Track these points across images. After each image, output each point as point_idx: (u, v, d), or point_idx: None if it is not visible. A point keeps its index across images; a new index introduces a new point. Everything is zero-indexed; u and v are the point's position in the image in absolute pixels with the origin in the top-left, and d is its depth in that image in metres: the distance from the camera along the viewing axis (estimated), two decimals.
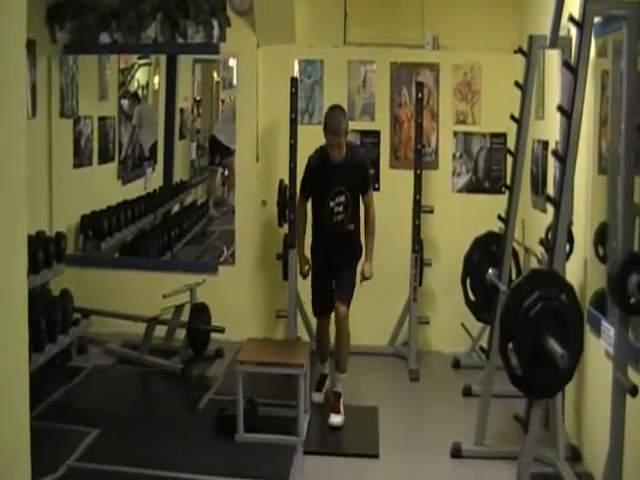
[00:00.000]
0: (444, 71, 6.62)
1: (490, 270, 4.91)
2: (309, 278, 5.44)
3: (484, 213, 5.70)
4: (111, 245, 7.42)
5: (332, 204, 5.18)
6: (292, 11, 6.40)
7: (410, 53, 6.72)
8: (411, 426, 5.29)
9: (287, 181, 6.16)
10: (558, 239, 3.45)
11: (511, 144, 4.87)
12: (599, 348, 4.05)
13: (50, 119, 6.74)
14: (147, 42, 6.76)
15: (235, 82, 7.34)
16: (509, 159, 4.95)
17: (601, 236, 4.30)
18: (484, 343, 5.18)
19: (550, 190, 5.29)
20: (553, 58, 5.16)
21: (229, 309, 6.40)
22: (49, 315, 5.49)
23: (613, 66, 4.08)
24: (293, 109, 6.16)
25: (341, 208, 5.20)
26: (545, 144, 5.57)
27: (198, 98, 10.05)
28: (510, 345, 3.22)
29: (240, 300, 6.61)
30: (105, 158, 7.80)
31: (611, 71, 4.12)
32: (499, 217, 4.74)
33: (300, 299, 6.22)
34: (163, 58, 8.67)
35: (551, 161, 5.34)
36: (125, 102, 8.57)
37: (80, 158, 7.19)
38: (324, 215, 5.23)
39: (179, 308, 6.12)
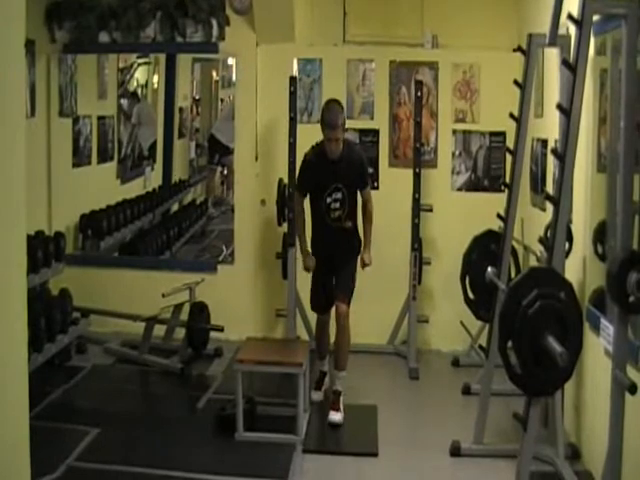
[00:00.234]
0: (443, 70, 6.62)
1: (489, 268, 4.91)
2: (308, 277, 5.44)
3: (483, 212, 5.70)
4: (110, 244, 7.42)
5: (329, 200, 5.18)
6: (291, 10, 6.40)
7: (409, 52, 6.72)
8: (410, 425, 5.29)
9: (286, 180, 6.16)
10: (557, 237, 3.46)
11: (510, 142, 4.87)
12: (598, 346, 4.06)
13: (49, 118, 6.74)
14: (146, 41, 6.74)
15: (234, 81, 7.34)
16: (508, 157, 4.96)
17: (600, 234, 4.30)
18: (483, 341, 5.18)
19: (549, 188, 5.29)
20: (552, 56, 5.15)
21: (228, 308, 6.40)
22: (48, 314, 5.49)
23: (612, 64, 4.08)
24: (292, 108, 6.16)
25: (338, 204, 5.19)
26: (544, 142, 5.57)
27: (197, 97, 10.06)
28: (509, 343, 3.22)
29: (239, 299, 6.61)
30: (104, 157, 7.80)
31: (610, 69, 4.13)
32: (498, 215, 4.74)
33: (299, 298, 6.22)
34: (162, 57, 8.69)
35: (550, 159, 5.34)
36: (124, 101, 8.57)
37: (79, 157, 7.19)
38: (321, 211, 5.22)
39: (178, 307, 6.12)
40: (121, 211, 7.76)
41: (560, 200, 3.44)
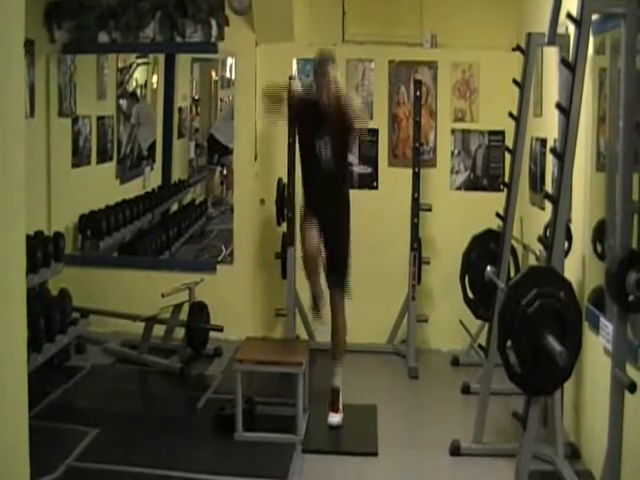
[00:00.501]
0: (442, 69, 6.62)
1: (488, 268, 4.92)
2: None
3: (482, 211, 5.70)
4: (109, 244, 7.43)
5: (317, 144, 5.00)
6: (290, 10, 6.40)
7: (408, 51, 6.72)
8: (410, 424, 5.30)
9: (285, 180, 6.16)
10: (556, 236, 3.46)
11: (509, 142, 4.87)
12: (598, 345, 4.06)
13: (48, 119, 6.73)
14: (145, 41, 6.74)
15: (233, 81, 7.34)
16: (507, 157, 4.96)
17: (599, 233, 4.30)
18: (483, 341, 5.18)
19: (548, 187, 5.29)
20: (551, 56, 5.15)
21: (228, 308, 6.40)
22: (48, 315, 5.49)
23: (611, 64, 4.08)
24: None
25: (328, 151, 4.99)
26: (543, 142, 5.57)
27: (197, 97, 10.08)
28: (509, 342, 3.22)
29: (239, 299, 6.61)
30: (103, 157, 7.81)
31: (609, 69, 4.13)
32: (497, 215, 4.74)
33: (299, 298, 6.22)
34: (161, 57, 8.70)
35: (549, 158, 5.34)
36: (123, 101, 8.58)
37: (78, 158, 7.19)
38: (310, 158, 5.09)
39: (178, 307, 6.12)
40: (120, 211, 7.76)
41: (559, 199, 3.44)
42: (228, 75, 9.27)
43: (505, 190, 4.74)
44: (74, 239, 7.15)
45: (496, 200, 5.50)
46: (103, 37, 6.73)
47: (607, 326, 3.78)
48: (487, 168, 6.65)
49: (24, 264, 2.64)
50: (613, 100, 3.95)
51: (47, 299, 5.80)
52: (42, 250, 5.67)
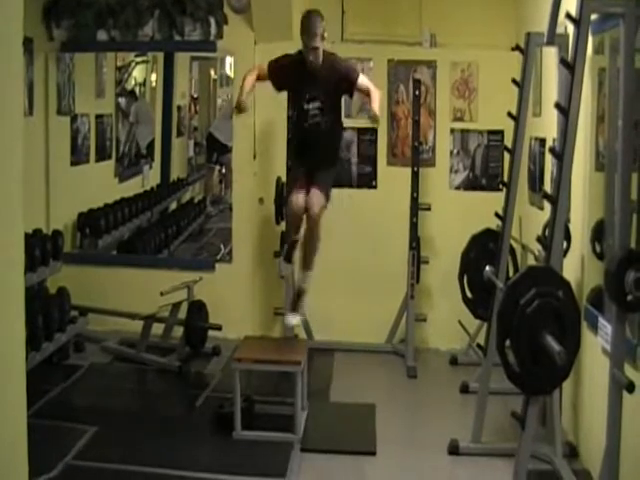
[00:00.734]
0: (441, 68, 6.63)
1: (487, 267, 4.92)
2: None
3: (481, 210, 5.70)
4: (108, 243, 7.42)
5: (306, 106, 4.94)
6: (289, 8, 6.39)
7: (407, 50, 6.72)
8: (408, 423, 5.30)
9: (284, 179, 6.16)
10: (555, 236, 3.46)
11: (508, 141, 4.87)
12: (596, 345, 4.06)
13: (47, 117, 6.73)
14: (144, 39, 6.73)
15: (232, 79, 7.34)
16: (506, 156, 4.96)
17: (598, 233, 4.30)
18: (481, 340, 5.18)
19: (547, 187, 5.29)
20: (550, 55, 5.15)
21: (226, 307, 6.40)
22: (46, 313, 5.49)
23: (610, 63, 4.08)
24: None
25: (317, 112, 4.93)
26: (542, 141, 5.57)
27: (195, 95, 10.07)
28: (507, 342, 3.22)
29: (237, 298, 6.60)
30: (102, 156, 7.80)
31: (608, 68, 4.13)
32: (496, 214, 4.74)
33: None
34: (160, 56, 8.70)
35: (548, 158, 5.34)
36: (122, 100, 8.58)
37: (77, 156, 7.18)
38: (301, 119, 5.02)
39: (176, 306, 6.11)
40: (119, 209, 7.76)
41: (558, 199, 3.44)
42: (227, 73, 9.27)
43: (504, 190, 4.74)
44: (73, 237, 7.15)
45: (495, 200, 5.50)
46: (102, 35, 6.72)
47: (606, 326, 3.78)
48: (486, 168, 6.65)
49: (22, 262, 2.64)
50: (612, 100, 3.94)
51: (46, 297, 5.80)
52: (41, 248, 5.67)
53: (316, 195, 4.83)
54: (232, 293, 6.60)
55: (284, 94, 5.77)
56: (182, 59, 9.05)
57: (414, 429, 5.19)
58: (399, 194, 6.34)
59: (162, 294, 5.87)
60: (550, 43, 4.14)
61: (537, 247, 4.93)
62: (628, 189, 3.30)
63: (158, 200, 8.85)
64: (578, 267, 4.54)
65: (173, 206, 9.31)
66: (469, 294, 5.45)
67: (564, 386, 4.32)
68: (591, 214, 4.42)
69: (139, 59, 8.70)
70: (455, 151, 6.68)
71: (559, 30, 4.07)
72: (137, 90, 8.99)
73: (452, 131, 6.66)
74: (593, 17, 3.51)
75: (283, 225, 6.27)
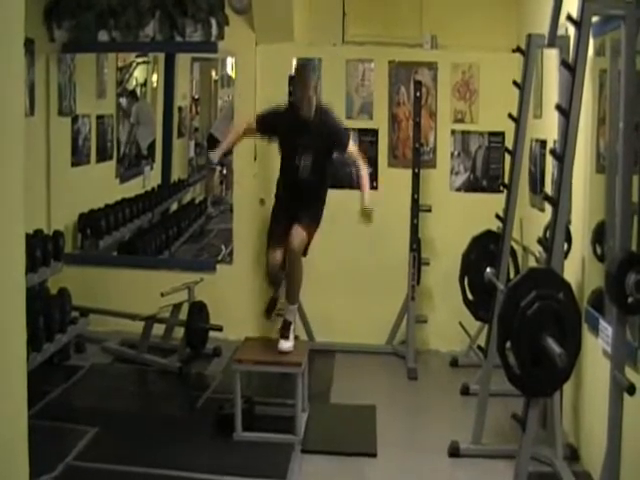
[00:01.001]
0: (442, 70, 6.62)
1: (488, 269, 4.91)
2: (307, 277, 5.38)
3: (482, 212, 5.70)
4: (109, 243, 7.43)
5: (297, 162, 5.01)
6: (290, 10, 6.40)
7: (408, 52, 6.72)
8: (409, 425, 5.29)
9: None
10: (556, 238, 3.46)
11: (509, 143, 4.86)
12: (597, 347, 4.06)
13: (48, 117, 6.73)
14: (145, 40, 6.74)
15: (233, 80, 7.34)
16: (507, 158, 4.96)
17: (599, 235, 4.30)
18: (482, 342, 5.18)
19: (548, 189, 5.29)
20: (551, 57, 5.15)
21: (227, 308, 6.40)
22: (47, 314, 5.49)
23: (611, 65, 4.08)
24: None
25: (308, 169, 5.01)
26: (543, 143, 5.57)
27: (196, 96, 10.07)
28: (508, 344, 3.22)
29: (238, 299, 6.60)
30: (103, 156, 7.80)
31: (609, 70, 4.13)
32: (497, 216, 4.74)
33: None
34: (161, 56, 8.70)
35: (549, 160, 5.34)
36: (123, 100, 8.58)
37: (78, 156, 7.18)
38: (290, 173, 5.08)
39: (177, 307, 6.12)
40: (120, 210, 7.76)
41: (559, 201, 3.44)
42: (228, 74, 9.27)
43: (505, 191, 4.74)
44: (74, 238, 7.15)
45: (496, 201, 5.50)
46: (103, 36, 6.73)
47: (606, 328, 3.78)
48: (487, 169, 6.65)
49: (23, 263, 2.64)
50: (613, 101, 3.95)
51: (47, 298, 5.80)
52: (42, 249, 5.67)
53: (297, 231, 4.94)
54: (233, 294, 6.60)
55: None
56: (183, 60, 9.05)
57: (415, 431, 5.19)
58: (400, 195, 6.34)
59: (163, 295, 5.87)
60: (551, 45, 4.14)
61: (538, 249, 4.93)
62: (629, 191, 3.30)
63: (159, 201, 8.85)
64: (579, 269, 4.53)
65: (174, 207, 9.31)
66: (470, 296, 5.46)
67: (565, 388, 4.31)
68: (592, 216, 4.42)
69: (140, 60, 8.71)
70: (456, 153, 6.68)
71: (560, 32, 4.07)
72: (138, 91, 9.00)
73: (453, 133, 6.66)
74: (594, 19, 3.51)
75: None
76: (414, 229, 6.22)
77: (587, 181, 4.47)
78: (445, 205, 6.53)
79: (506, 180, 4.82)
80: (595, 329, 4.05)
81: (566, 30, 4.39)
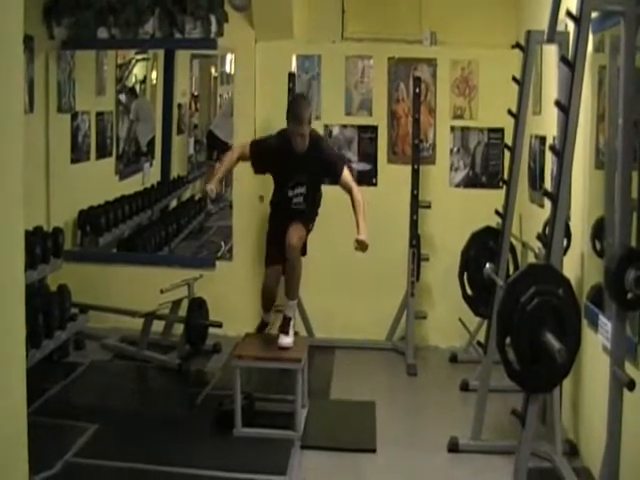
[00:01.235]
0: (442, 66, 6.62)
1: (487, 265, 4.92)
2: (307, 275, 5.39)
3: (482, 208, 5.70)
4: (109, 240, 7.43)
5: (291, 193, 5.04)
6: (290, 7, 6.40)
7: (408, 48, 6.71)
8: (408, 421, 5.30)
9: None
10: (555, 234, 3.46)
11: (509, 139, 4.87)
12: (596, 343, 4.06)
13: (47, 114, 6.73)
14: (145, 37, 6.74)
15: (233, 77, 7.34)
16: (507, 154, 4.96)
17: (598, 231, 4.30)
18: (481, 338, 5.18)
19: (547, 185, 5.29)
20: (550, 53, 5.15)
21: (227, 304, 6.41)
22: (46, 311, 5.50)
23: (610, 61, 4.08)
24: None
25: (301, 199, 5.05)
26: (542, 139, 5.57)
27: (196, 93, 10.07)
28: (507, 340, 3.22)
29: (238, 295, 6.61)
30: (103, 153, 7.80)
31: (608, 66, 4.13)
32: (496, 212, 4.75)
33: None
34: (161, 53, 8.70)
35: (548, 156, 5.34)
36: (123, 97, 8.58)
37: (77, 153, 7.19)
38: (283, 203, 5.10)
39: (177, 303, 6.12)
40: (119, 207, 7.76)
41: (558, 197, 3.44)
42: (228, 71, 9.27)
43: (504, 187, 4.74)
44: (73, 235, 7.15)
45: (495, 197, 5.51)
46: (102, 33, 6.73)
47: (606, 324, 3.78)
48: (486, 165, 6.65)
49: (23, 260, 2.64)
50: (612, 98, 3.94)
51: (46, 295, 5.80)
52: (41, 246, 5.68)
53: (294, 228, 4.97)
54: (232, 291, 6.61)
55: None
56: (182, 57, 9.05)
57: (414, 426, 5.19)
58: (399, 192, 6.35)
59: (162, 292, 5.87)
60: (550, 41, 4.13)
61: (537, 245, 4.94)
62: (628, 187, 3.30)
63: (158, 198, 8.85)
64: (578, 265, 4.54)
65: (173, 204, 9.32)
66: (469, 292, 5.46)
67: (564, 384, 4.32)
68: (591, 212, 4.42)
69: (140, 57, 8.70)
70: (455, 149, 6.67)
71: (559, 28, 4.06)
72: (137, 88, 8.99)
73: (452, 129, 6.66)
74: (593, 15, 3.51)
75: None
76: (414, 225, 6.22)
77: (586, 177, 4.47)
78: (444, 201, 6.53)
79: (505, 176, 4.82)
80: (595, 325, 4.05)
81: (565, 26, 4.39)
